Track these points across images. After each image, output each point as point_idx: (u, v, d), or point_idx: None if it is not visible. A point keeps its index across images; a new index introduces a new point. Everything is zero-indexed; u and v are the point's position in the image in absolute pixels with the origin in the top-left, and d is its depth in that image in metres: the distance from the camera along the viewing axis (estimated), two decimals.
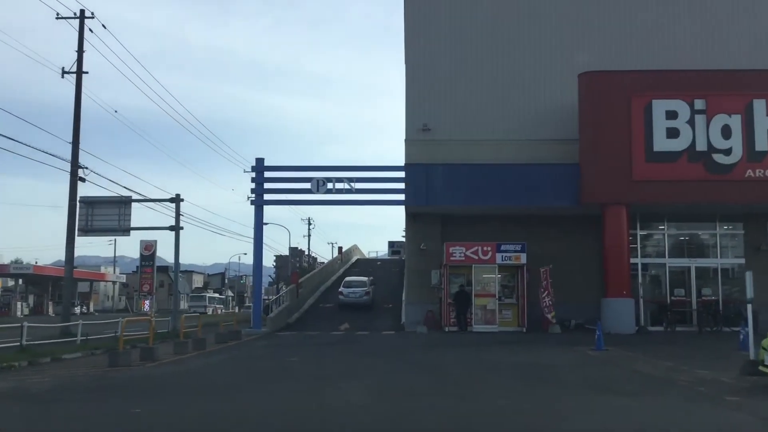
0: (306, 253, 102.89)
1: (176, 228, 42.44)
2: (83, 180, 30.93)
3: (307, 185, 29.29)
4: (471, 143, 30.91)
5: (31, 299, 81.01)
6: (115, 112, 35.58)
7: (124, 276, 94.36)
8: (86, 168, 30.45)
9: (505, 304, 28.64)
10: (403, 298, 37.43)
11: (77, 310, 79.96)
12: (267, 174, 29.84)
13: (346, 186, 29.20)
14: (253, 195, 29.55)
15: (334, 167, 29.94)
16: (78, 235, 41.93)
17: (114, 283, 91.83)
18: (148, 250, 73.66)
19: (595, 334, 20.19)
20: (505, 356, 18.64)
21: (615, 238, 28.05)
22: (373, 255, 57.06)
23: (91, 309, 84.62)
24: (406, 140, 31.37)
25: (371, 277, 41.79)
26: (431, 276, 29.97)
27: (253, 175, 29.56)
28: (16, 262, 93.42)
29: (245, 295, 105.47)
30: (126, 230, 41.45)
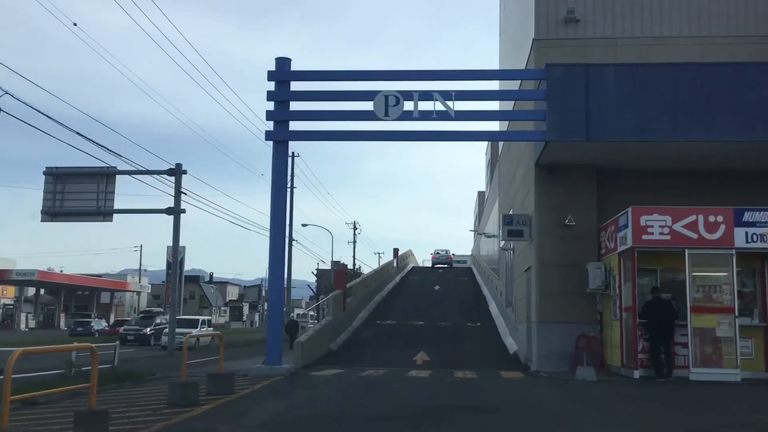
0: (350, 266, 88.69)
1: (176, 210, 28.91)
2: None
3: (368, 105, 15.28)
4: (652, 43, 16.71)
5: (40, 310, 68.38)
6: (74, 24, 22.50)
7: (149, 286, 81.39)
8: None
9: (740, 328, 14.10)
10: (507, 316, 23.44)
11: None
12: (296, 85, 15.82)
13: (439, 106, 15.10)
14: (271, 123, 15.61)
15: (413, 72, 15.81)
16: (42, 221, 29.12)
17: (138, 293, 78.94)
18: None
19: None
20: None
21: None
22: (442, 254, 56.41)
23: (111, 321, 71.75)
24: (535, 40, 17.21)
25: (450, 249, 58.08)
26: (588, 273, 15.70)
27: (271, 86, 15.60)
28: (48, 270, 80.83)
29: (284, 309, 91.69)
30: (108, 214, 28.38)
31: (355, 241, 69.24)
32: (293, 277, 50.12)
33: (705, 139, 14.58)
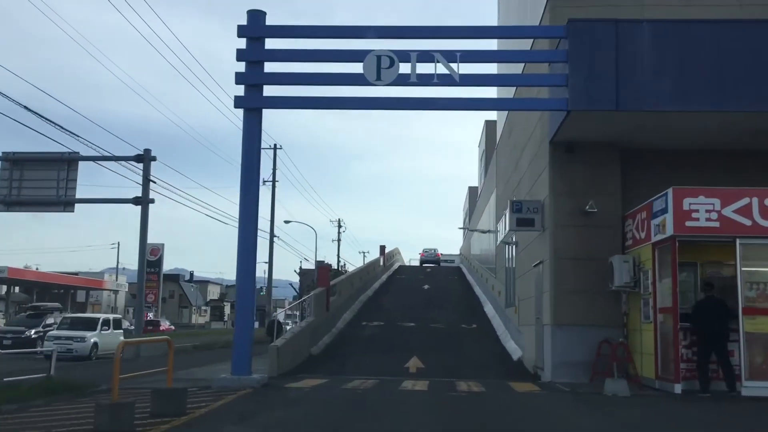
0: (334, 266, 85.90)
1: (144, 200, 26.24)
2: None
3: (357, 67, 12.80)
4: (685, 3, 14.34)
5: (12, 309, 65.09)
6: None
7: (127, 284, 78.27)
8: None
9: None
10: (507, 318, 21.03)
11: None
12: (270, 43, 13.30)
13: (441, 69, 12.64)
14: (242, 86, 13.05)
15: (410, 29, 13.38)
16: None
17: (116, 292, 75.81)
18: (154, 255, 57.35)
19: None
20: None
21: None
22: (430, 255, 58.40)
23: None
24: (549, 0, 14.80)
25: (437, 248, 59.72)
26: (614, 268, 13.27)
27: (242, 44, 13.07)
28: (25, 268, 77.09)
29: (265, 308, 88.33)
30: (69, 203, 25.80)
31: (339, 239, 66.38)
32: (275, 276, 47.45)
33: (757, 110, 12.21)
